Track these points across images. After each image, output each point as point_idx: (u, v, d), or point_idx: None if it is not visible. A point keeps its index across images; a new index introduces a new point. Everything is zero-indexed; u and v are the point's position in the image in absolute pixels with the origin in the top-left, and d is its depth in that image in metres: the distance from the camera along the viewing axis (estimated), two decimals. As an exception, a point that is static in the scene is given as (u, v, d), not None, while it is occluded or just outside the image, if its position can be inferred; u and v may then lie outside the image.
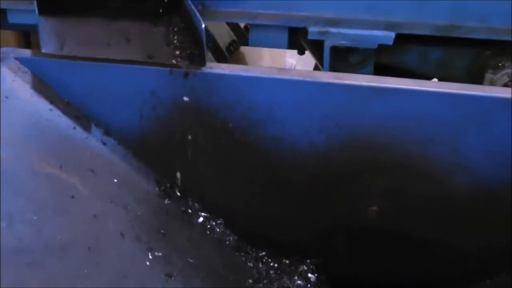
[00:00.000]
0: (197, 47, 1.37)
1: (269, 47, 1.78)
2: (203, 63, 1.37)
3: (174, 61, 1.38)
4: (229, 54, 2.04)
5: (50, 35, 1.38)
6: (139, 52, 1.39)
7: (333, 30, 1.55)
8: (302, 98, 1.36)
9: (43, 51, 1.37)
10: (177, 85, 1.39)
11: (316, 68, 1.93)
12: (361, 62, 1.64)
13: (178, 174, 1.48)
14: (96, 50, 1.38)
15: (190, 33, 1.38)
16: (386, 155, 1.37)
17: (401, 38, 1.58)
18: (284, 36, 1.64)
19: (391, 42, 1.56)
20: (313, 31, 1.57)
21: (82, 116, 1.41)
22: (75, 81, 1.40)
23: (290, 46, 1.70)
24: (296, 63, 2.90)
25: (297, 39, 1.69)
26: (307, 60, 2.14)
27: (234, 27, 2.02)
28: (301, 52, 1.80)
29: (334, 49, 1.59)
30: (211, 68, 1.38)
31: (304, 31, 1.60)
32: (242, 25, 2.01)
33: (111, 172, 1.39)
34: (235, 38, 2.06)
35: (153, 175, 1.47)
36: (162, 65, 1.38)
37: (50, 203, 1.23)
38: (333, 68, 1.61)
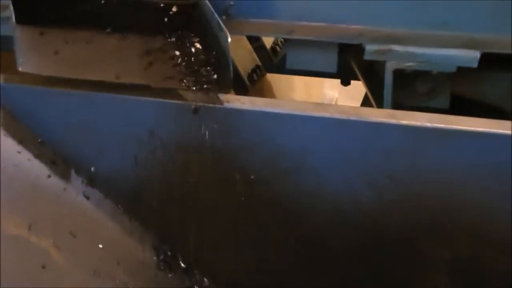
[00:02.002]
0: (218, 71, 1.39)
1: (311, 74, 1.78)
2: (226, 91, 1.40)
3: (180, 91, 1.41)
4: (252, 84, 2.05)
5: (29, 49, 1.41)
6: (137, 77, 1.41)
7: (397, 48, 1.51)
8: (346, 142, 1.37)
9: (20, 69, 1.40)
10: (184, 123, 1.41)
11: (365, 103, 1.93)
12: (432, 92, 1.60)
13: (182, 238, 1.49)
14: (84, 71, 1.41)
15: (208, 52, 1.41)
16: (454, 217, 1.37)
17: (486, 61, 1.56)
18: (332, 57, 1.61)
19: (475, 65, 1.53)
20: (371, 49, 1.52)
21: (59, 161, 1.42)
22: (53, 114, 1.42)
23: (338, 72, 1.70)
24: (338, 96, 2.89)
25: (346, 61, 1.69)
26: (352, 93, 2.14)
27: (258, 47, 2.04)
28: (346, 82, 1.79)
29: (398, 74, 1.57)
30: (228, 101, 1.40)
31: (357, 50, 1.59)
32: (268, 45, 2.04)
33: (95, 235, 1.40)
34: (259, 63, 2.08)
35: (150, 239, 1.48)
36: (165, 96, 1.40)
37: (15, 274, 1.23)
38: (395, 100, 1.59)
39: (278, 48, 2.11)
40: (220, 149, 1.42)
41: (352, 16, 1.49)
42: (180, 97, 1.40)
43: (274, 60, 2.11)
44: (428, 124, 1.32)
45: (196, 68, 1.40)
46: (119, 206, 1.46)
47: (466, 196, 1.34)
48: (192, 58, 1.40)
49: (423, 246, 1.40)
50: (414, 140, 1.33)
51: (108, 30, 1.43)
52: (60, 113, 1.42)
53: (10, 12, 1.41)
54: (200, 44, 1.41)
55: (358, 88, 1.76)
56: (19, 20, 1.41)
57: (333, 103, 3.08)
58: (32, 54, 1.40)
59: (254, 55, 2.06)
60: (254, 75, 2.06)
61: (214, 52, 1.39)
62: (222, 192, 1.45)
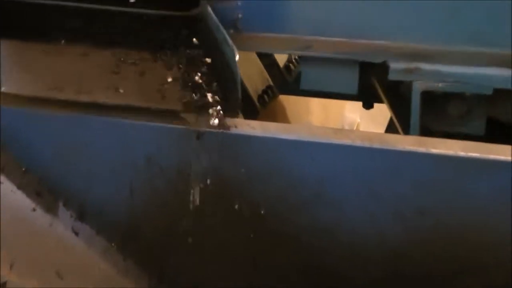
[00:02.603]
0: (225, 92, 1.38)
1: (329, 95, 1.75)
2: (234, 114, 1.39)
3: (182, 114, 1.39)
4: (263, 106, 2.05)
5: (13, 66, 1.41)
6: (133, 97, 1.40)
7: (425, 66, 1.50)
8: (368, 172, 1.35)
9: (2, 89, 1.39)
10: (186, 150, 1.40)
11: (390, 128, 1.91)
12: (465, 116, 1.58)
13: (183, 279, 1.48)
14: (74, 91, 1.40)
15: (213, 70, 1.39)
16: (492, 254, 1.36)
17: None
18: (353, 77, 1.60)
19: (513, 86, 1.51)
20: (396, 68, 1.51)
21: (45, 192, 1.41)
22: (38, 138, 1.41)
23: (359, 94, 1.68)
24: (360, 121, 2.89)
25: (369, 82, 1.67)
26: (376, 117, 2.12)
27: (270, 65, 2.04)
28: (368, 105, 1.77)
29: (426, 96, 1.55)
30: (235, 126, 1.38)
31: (381, 69, 1.57)
32: (281, 62, 2.03)
33: (85, 276, 1.39)
34: (271, 83, 2.07)
35: (147, 279, 1.47)
36: (165, 119, 1.39)
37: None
38: (424, 124, 1.57)
39: (292, 66, 2.12)
40: (227, 180, 1.41)
41: (375, 30, 1.46)
42: (181, 120, 1.38)
43: (288, 80, 2.11)
44: (462, 153, 1.30)
45: (200, 88, 1.39)
46: (112, 244, 1.46)
47: (505, 231, 1.33)
48: (196, 77, 1.39)
49: (454, 283, 1.40)
50: (446, 170, 1.32)
51: (102, 45, 1.42)
52: (46, 138, 1.41)
53: None
54: (205, 61, 1.39)
55: (382, 111, 1.74)
56: (2, 34, 1.40)
57: (354, 128, 3.09)
58: (16, 72, 1.40)
59: (266, 74, 2.06)
60: (266, 96, 2.06)
61: (220, 71, 1.37)
62: (229, 227, 1.44)
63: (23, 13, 1.41)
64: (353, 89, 1.59)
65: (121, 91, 1.40)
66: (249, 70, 1.99)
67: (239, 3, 1.41)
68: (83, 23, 1.41)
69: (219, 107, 1.38)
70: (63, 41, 1.42)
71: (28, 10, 1.41)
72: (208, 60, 1.39)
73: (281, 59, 2.10)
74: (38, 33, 1.42)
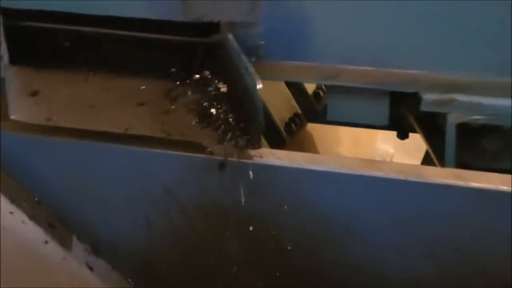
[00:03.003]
0: (247, 121, 1.37)
1: (357, 125, 1.74)
2: (258, 144, 1.37)
3: (204, 143, 1.38)
4: (290, 135, 2.05)
5: (23, 94, 1.41)
6: (149, 128, 1.40)
7: (461, 98, 1.49)
8: (401, 206, 1.34)
9: (12, 117, 1.40)
10: (206, 181, 1.40)
11: (426, 160, 1.90)
12: (503, 151, 1.59)
13: None
14: (88, 120, 1.40)
15: (234, 99, 1.39)
16: None
17: None
18: (383, 108, 1.60)
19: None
20: (429, 99, 1.49)
21: (58, 224, 1.42)
22: (51, 168, 1.42)
23: (390, 125, 1.67)
24: (394, 152, 2.87)
25: (400, 113, 1.66)
26: (410, 148, 2.11)
27: (298, 92, 2.04)
28: (403, 135, 1.77)
29: (462, 129, 1.54)
30: (260, 156, 1.38)
31: (413, 99, 1.57)
32: (310, 89, 2.04)
33: None
34: (299, 111, 2.07)
35: None
36: (184, 149, 1.39)
37: None
38: (459, 159, 1.56)
39: (321, 93, 2.10)
40: (251, 213, 1.41)
41: (406, 59, 1.45)
42: (202, 150, 1.38)
43: (316, 107, 2.10)
44: (504, 188, 1.29)
45: (221, 118, 1.39)
46: (128, 279, 1.46)
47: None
48: (216, 106, 1.39)
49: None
50: (485, 205, 1.30)
51: (116, 72, 1.43)
52: (59, 167, 1.42)
53: (2, 51, 1.42)
54: (225, 90, 1.40)
55: (417, 142, 1.72)
56: (13, 60, 1.42)
57: (387, 159, 3.07)
58: (26, 100, 1.40)
59: (293, 101, 2.06)
60: (293, 125, 2.06)
61: (242, 100, 1.37)
62: (252, 264, 1.45)
63: (36, 38, 1.43)
64: (384, 120, 1.59)
65: (136, 121, 1.39)
66: (275, 97, 1.99)
67: (262, 29, 1.41)
68: (98, 50, 1.42)
69: (242, 137, 1.37)
70: (77, 68, 1.43)
71: (42, 36, 1.43)
72: (229, 89, 1.39)
73: (309, 85, 2.09)
74: (51, 60, 1.44)
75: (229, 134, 1.37)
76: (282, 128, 2.01)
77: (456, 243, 1.34)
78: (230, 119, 1.37)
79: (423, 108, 1.47)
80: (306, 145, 2.38)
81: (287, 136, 2.03)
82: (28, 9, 1.41)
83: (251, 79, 1.32)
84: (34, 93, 1.42)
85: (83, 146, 1.40)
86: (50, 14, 1.42)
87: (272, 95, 1.97)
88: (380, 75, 1.44)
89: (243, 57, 1.34)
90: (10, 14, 1.42)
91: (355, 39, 1.38)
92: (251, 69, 1.33)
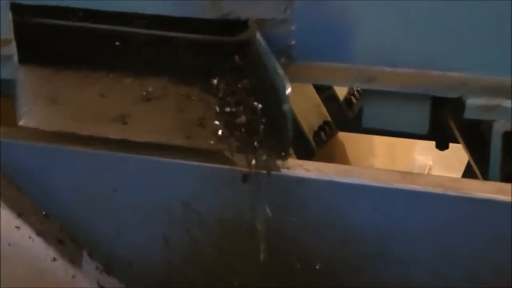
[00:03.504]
0: (275, 129, 1.36)
1: (396, 134, 1.74)
2: (285, 154, 1.36)
3: (226, 153, 1.38)
4: (319, 145, 2.05)
5: (35, 98, 1.42)
6: (168, 135, 1.39)
7: (508, 104, 1.49)
8: (441, 223, 1.33)
9: (20, 123, 1.40)
10: (229, 194, 1.39)
11: (468, 173, 1.90)
12: None
13: None
14: (103, 127, 1.40)
15: (261, 104, 1.38)
16: None
17: None
18: (423, 114, 1.56)
19: None
20: (474, 105, 1.48)
21: (68, 240, 1.42)
22: (61, 179, 1.42)
23: (430, 133, 1.64)
24: (432, 164, 2.86)
25: (441, 120, 1.66)
26: (450, 160, 2.09)
27: (328, 98, 2.04)
28: (442, 145, 1.76)
29: (509, 138, 1.52)
30: (287, 168, 1.37)
31: (456, 105, 1.54)
32: (341, 95, 2.05)
33: None
34: (329, 118, 2.07)
35: None
36: (205, 159, 1.39)
37: None
38: (504, 172, 1.54)
39: (354, 100, 2.12)
40: (276, 229, 1.40)
41: (449, 60, 1.43)
42: (224, 160, 1.38)
43: (348, 115, 2.10)
44: None
45: (245, 124, 1.38)
46: None
47: None
48: (241, 111, 1.39)
49: None
50: None
51: (136, 74, 1.43)
52: (70, 179, 1.42)
53: (12, 49, 1.43)
54: (251, 93, 1.39)
55: (458, 153, 1.70)
56: (24, 60, 1.42)
57: (426, 172, 3.06)
58: (37, 103, 1.41)
59: (323, 108, 2.06)
60: (322, 134, 2.06)
61: (269, 105, 1.37)
62: (277, 283, 1.44)
63: (49, 37, 1.44)
64: (423, 128, 1.56)
65: (154, 127, 1.40)
66: (304, 104, 1.99)
67: (293, 28, 1.40)
68: (117, 49, 1.42)
69: (268, 146, 1.36)
70: (94, 69, 1.44)
71: (56, 34, 1.44)
72: (256, 93, 1.39)
73: (340, 91, 2.10)
74: (66, 60, 1.44)
75: (254, 143, 1.36)
76: (311, 137, 2.01)
77: (500, 265, 1.32)
78: (256, 127, 1.37)
79: (467, 115, 1.45)
80: (336, 156, 2.38)
81: (316, 146, 2.03)
82: (40, 5, 1.42)
83: (280, 81, 1.32)
84: (47, 97, 1.42)
85: (96, 155, 1.41)
86: (64, 10, 1.43)
87: (301, 101, 1.97)
88: (420, 78, 1.43)
89: (272, 58, 1.34)
90: (21, 10, 1.42)
91: (393, 38, 1.38)
92: (280, 71, 1.32)
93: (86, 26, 1.43)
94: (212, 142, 1.37)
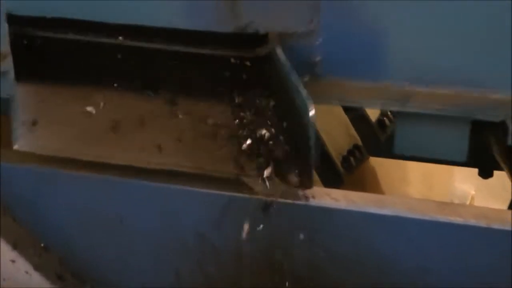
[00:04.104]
0: (297, 153, 1.36)
1: (430, 160, 1.72)
2: (310, 182, 1.36)
3: (245, 180, 1.37)
4: (348, 171, 2.04)
5: (30, 118, 1.42)
6: (180, 158, 1.40)
7: None
8: (484, 259, 1.31)
9: (15, 147, 1.41)
10: (248, 224, 1.38)
11: None
12: None
13: None
14: (109, 150, 1.41)
15: (282, 125, 1.37)
16: None
17: None
18: (462, 140, 1.54)
19: None
20: (521, 129, 1.49)
21: (69, 275, 1.42)
22: (61, 207, 1.42)
23: (471, 160, 1.62)
24: (475, 193, 2.84)
25: (483, 146, 1.63)
26: (495, 189, 2.07)
27: (358, 119, 2.03)
28: (486, 173, 1.76)
29: None
30: (313, 197, 1.36)
31: (500, 130, 1.51)
32: (373, 116, 2.05)
33: None
34: (359, 142, 2.07)
35: None
36: (221, 186, 1.38)
37: None
38: None
39: (387, 121, 2.11)
40: (301, 263, 1.40)
41: (492, 80, 1.42)
42: (243, 188, 1.37)
43: (380, 138, 2.09)
44: None
45: (266, 149, 1.38)
46: None
47: None
48: (261, 133, 1.38)
49: None
50: None
51: (141, 91, 1.43)
52: (71, 207, 1.42)
53: (8, 65, 1.44)
54: (272, 114, 1.38)
55: (503, 181, 1.68)
56: (21, 77, 1.43)
57: (467, 202, 3.03)
58: (34, 124, 1.42)
59: (353, 130, 2.06)
60: (352, 158, 2.05)
61: (291, 127, 1.36)
62: None
63: (48, 51, 1.44)
64: (463, 154, 1.54)
65: (164, 151, 1.40)
66: (331, 125, 1.99)
67: (318, 41, 1.40)
68: (121, 64, 1.42)
69: (291, 172, 1.36)
70: (95, 87, 1.43)
71: (56, 48, 1.44)
72: (277, 113, 1.38)
73: (372, 111, 2.10)
74: (65, 76, 1.44)
75: (276, 169, 1.36)
76: (339, 163, 2.01)
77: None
78: (277, 151, 1.36)
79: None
80: (367, 184, 2.37)
81: (345, 172, 2.02)
82: (40, 17, 1.42)
83: (302, 101, 1.31)
84: (45, 117, 1.43)
85: (100, 181, 1.41)
86: (66, 22, 1.43)
87: (328, 123, 1.96)
88: (459, 99, 1.42)
89: (294, 75, 1.33)
90: (19, 22, 1.43)
91: (430, 55, 1.37)
92: (303, 90, 1.31)
93: (91, 40, 1.43)
94: (229, 167, 1.37)
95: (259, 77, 1.38)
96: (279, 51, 1.34)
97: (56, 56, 1.44)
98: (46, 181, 1.41)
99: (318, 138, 1.88)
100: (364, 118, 2.01)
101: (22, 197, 1.42)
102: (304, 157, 1.34)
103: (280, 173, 1.36)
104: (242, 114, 1.39)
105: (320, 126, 1.86)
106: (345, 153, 2.02)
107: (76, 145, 1.41)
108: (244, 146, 1.38)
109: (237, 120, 1.39)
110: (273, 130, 1.38)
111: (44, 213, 1.42)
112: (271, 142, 1.37)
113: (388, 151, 2.06)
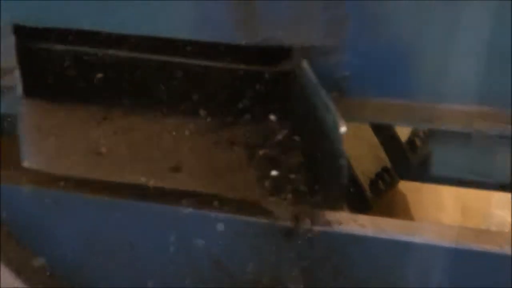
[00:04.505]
0: (324, 175, 1.35)
1: (465, 184, 1.72)
2: (336, 207, 1.36)
3: (265, 204, 1.36)
4: (376, 196, 2.03)
5: (39, 135, 1.43)
6: (197, 180, 1.39)
7: None
8: None
9: (25, 164, 1.41)
10: (268, 252, 1.38)
11: None
12: None
13: None
14: (120, 170, 1.41)
15: (307, 146, 1.37)
16: None
17: None
18: (501, 161, 1.54)
19: None
20: None
21: None
22: (68, 231, 1.43)
23: (511, 184, 1.61)
24: None
25: None
26: None
27: (388, 140, 2.02)
28: None
29: None
30: (339, 223, 1.35)
31: None
32: (403, 136, 2.03)
33: None
34: (389, 164, 2.06)
35: None
36: (239, 210, 1.38)
37: None
38: None
39: (418, 142, 2.08)
40: None
41: None
42: (264, 212, 1.36)
43: (411, 160, 2.06)
44: None
45: (288, 170, 1.37)
46: None
47: None
48: (283, 154, 1.38)
49: None
50: None
51: (153, 108, 1.43)
52: (80, 232, 1.42)
53: (15, 79, 1.43)
54: (296, 133, 1.38)
55: None
56: (28, 92, 1.43)
57: (505, 230, 3.00)
58: (43, 142, 1.42)
59: (381, 152, 2.04)
60: (380, 182, 2.04)
61: (317, 147, 1.35)
62: None
63: (57, 65, 1.44)
64: (502, 177, 1.54)
65: (179, 172, 1.40)
66: (358, 146, 1.98)
67: (348, 57, 1.39)
68: (133, 79, 1.42)
69: (316, 196, 1.35)
70: (107, 103, 1.44)
71: (65, 61, 1.44)
72: (302, 132, 1.37)
73: (403, 131, 2.08)
74: (76, 91, 1.44)
75: (299, 193, 1.35)
76: (366, 186, 2.00)
77: None
78: (301, 173, 1.36)
79: None
80: (397, 209, 2.36)
81: (373, 196, 2.02)
82: (49, 28, 1.42)
83: (331, 119, 1.30)
84: (54, 134, 1.43)
85: (111, 205, 1.41)
86: (76, 34, 1.43)
87: (355, 144, 1.95)
88: (497, 117, 1.39)
89: (322, 92, 1.32)
90: (26, 34, 1.43)
91: (464, 70, 1.35)
92: (332, 107, 1.30)
93: (105, 53, 1.43)
94: (247, 190, 1.36)
95: (280, 95, 1.38)
96: (306, 66, 1.33)
97: (63, 70, 1.44)
98: (53, 203, 1.41)
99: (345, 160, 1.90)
100: (394, 138, 1.99)
101: (27, 221, 1.42)
102: (331, 179, 1.33)
103: (303, 197, 1.35)
104: (261, 135, 1.39)
105: (347, 148, 1.86)
106: (373, 176, 2.01)
107: (85, 163, 1.41)
108: (266, 168, 1.37)
109: (256, 142, 1.39)
110: (297, 152, 1.37)
111: (50, 238, 1.42)
112: (295, 165, 1.37)
113: (420, 174, 2.06)
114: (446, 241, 1.30)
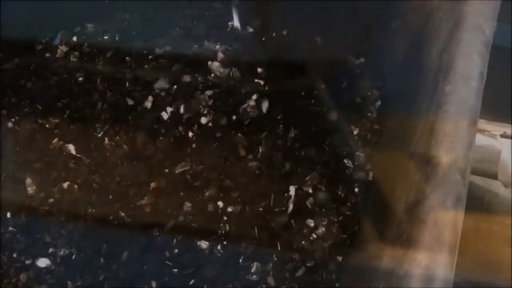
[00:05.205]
0: (356, 214, 1.36)
1: None
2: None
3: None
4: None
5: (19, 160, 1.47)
6: (200, 215, 1.39)
7: None
8: None
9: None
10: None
11: None
12: None
13: None
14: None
15: (328, 174, 1.36)
16: None
17: None
18: None
19: None
20: None
21: None
22: None
23: None
24: None
25: None
26: None
27: (421, 159, 1.97)
28: None
29: None
30: (370, 256, 1.33)
31: None
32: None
33: None
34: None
35: None
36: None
37: None
38: None
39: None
40: None
41: None
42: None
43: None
44: None
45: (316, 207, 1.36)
46: None
47: None
48: (308, 189, 1.36)
49: None
50: None
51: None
52: None
53: None
54: (319, 163, 1.37)
55: None
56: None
57: None
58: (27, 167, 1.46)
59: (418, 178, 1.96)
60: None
61: (337, 177, 1.35)
62: None
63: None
64: None
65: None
66: (394, 173, 1.90)
67: (375, 74, 1.42)
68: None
69: (349, 235, 1.37)
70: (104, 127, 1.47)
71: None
72: (319, 158, 1.37)
73: None
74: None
75: (331, 231, 1.36)
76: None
77: None
78: (321, 204, 1.36)
79: None
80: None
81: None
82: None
83: (348, 146, 1.30)
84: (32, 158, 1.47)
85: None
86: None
87: (390, 169, 1.88)
88: None
89: (338, 114, 1.31)
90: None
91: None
92: (350, 131, 1.31)
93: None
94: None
95: (293, 116, 1.37)
96: (322, 85, 1.33)
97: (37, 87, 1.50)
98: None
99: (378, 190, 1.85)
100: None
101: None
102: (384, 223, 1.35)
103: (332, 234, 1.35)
104: (273, 160, 1.37)
105: (382, 175, 1.80)
106: (410, 201, 1.98)
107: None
108: (292, 197, 1.36)
109: (268, 168, 1.37)
110: (321, 187, 1.36)
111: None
112: (322, 203, 1.36)
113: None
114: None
